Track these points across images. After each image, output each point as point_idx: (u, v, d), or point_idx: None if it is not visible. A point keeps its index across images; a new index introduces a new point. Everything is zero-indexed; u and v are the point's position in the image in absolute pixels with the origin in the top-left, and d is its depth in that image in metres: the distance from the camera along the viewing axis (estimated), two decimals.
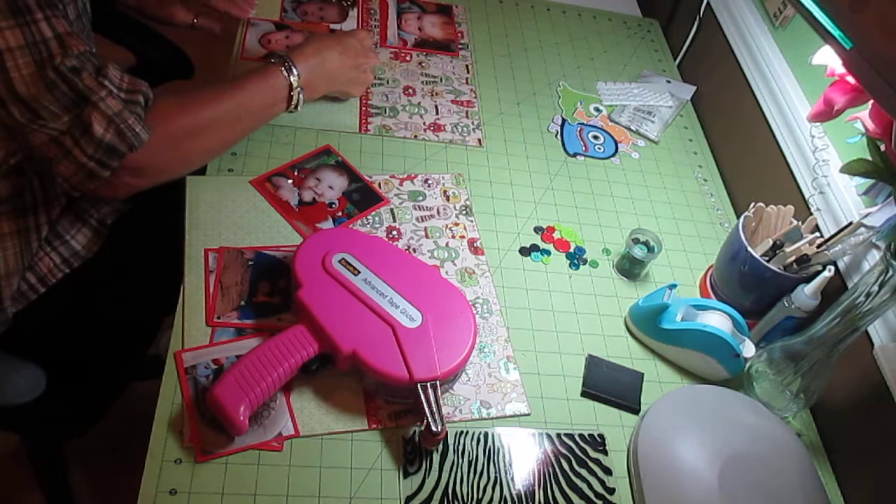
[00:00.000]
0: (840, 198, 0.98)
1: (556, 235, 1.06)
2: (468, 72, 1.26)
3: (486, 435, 0.83)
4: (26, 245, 0.90)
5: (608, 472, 0.84)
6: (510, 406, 0.86)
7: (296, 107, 0.97)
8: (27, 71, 0.72)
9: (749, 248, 0.93)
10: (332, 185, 1.00)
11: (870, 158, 0.89)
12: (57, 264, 0.96)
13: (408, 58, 1.24)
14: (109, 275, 1.02)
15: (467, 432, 0.83)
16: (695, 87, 1.36)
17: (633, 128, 1.25)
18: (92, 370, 1.03)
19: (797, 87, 1.13)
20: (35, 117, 0.75)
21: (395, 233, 0.98)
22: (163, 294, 0.94)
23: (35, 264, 0.94)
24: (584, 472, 0.83)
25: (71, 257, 0.97)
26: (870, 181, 0.95)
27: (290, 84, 0.94)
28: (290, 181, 0.99)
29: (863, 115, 0.90)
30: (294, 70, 0.94)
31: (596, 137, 1.22)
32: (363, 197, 1.00)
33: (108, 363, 1.05)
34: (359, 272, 0.84)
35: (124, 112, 0.77)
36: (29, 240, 0.91)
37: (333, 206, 0.98)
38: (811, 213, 1.00)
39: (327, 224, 0.96)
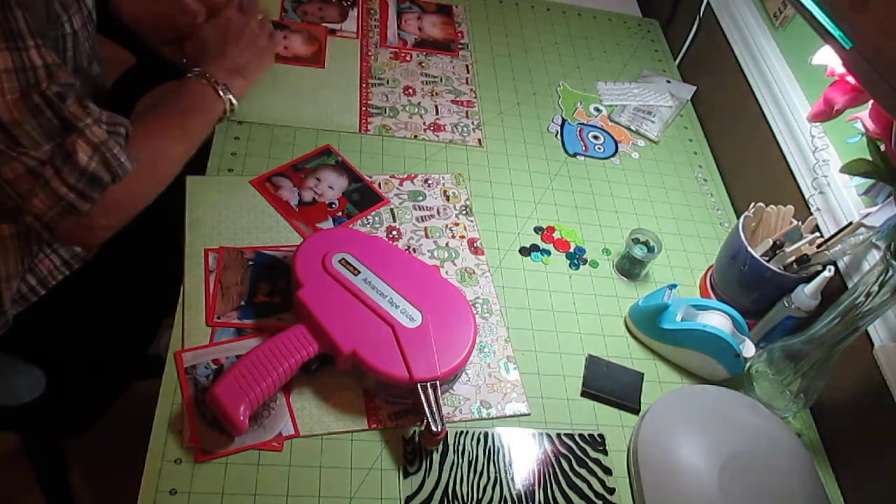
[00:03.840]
0: (840, 198, 0.98)
1: (556, 235, 1.06)
2: (468, 72, 1.26)
3: (486, 435, 0.83)
4: (26, 247, 0.90)
5: (608, 472, 0.84)
6: (510, 406, 0.86)
7: (234, 108, 0.99)
8: (12, 96, 0.70)
9: (749, 248, 0.93)
10: (332, 185, 1.00)
11: (870, 158, 0.89)
12: (57, 266, 0.96)
13: (408, 58, 1.24)
14: (109, 275, 1.02)
15: (467, 432, 0.83)
16: (695, 87, 1.36)
17: (633, 128, 1.25)
18: (92, 371, 1.03)
19: (797, 87, 1.13)
20: (14, 144, 0.72)
21: (395, 233, 0.98)
22: (163, 294, 0.94)
23: (35, 266, 0.93)
24: (584, 472, 0.83)
25: (71, 259, 0.97)
26: (870, 181, 0.95)
27: (220, 96, 0.96)
28: (290, 181, 0.99)
29: (863, 115, 0.90)
30: (218, 82, 0.96)
31: (596, 137, 1.22)
32: (363, 197, 1.00)
33: (109, 364, 1.05)
34: (359, 272, 0.84)
35: (110, 141, 0.76)
36: (29, 242, 0.91)
37: (333, 206, 0.98)
38: (811, 213, 1.00)
39: (327, 224, 0.96)
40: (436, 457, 0.80)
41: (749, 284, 0.96)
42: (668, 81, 1.36)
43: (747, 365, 0.92)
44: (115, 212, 0.83)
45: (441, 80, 1.22)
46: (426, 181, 1.06)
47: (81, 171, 0.75)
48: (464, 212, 1.04)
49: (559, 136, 1.21)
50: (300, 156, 1.03)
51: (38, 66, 0.71)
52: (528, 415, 0.86)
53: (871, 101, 0.90)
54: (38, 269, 0.94)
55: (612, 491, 0.82)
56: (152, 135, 0.87)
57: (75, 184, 0.75)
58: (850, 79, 0.89)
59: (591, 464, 0.84)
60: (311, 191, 0.99)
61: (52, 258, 0.95)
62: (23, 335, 0.95)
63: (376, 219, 0.99)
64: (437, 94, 1.19)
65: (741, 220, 0.96)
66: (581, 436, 0.86)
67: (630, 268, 1.03)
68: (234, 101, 0.98)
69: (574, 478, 0.82)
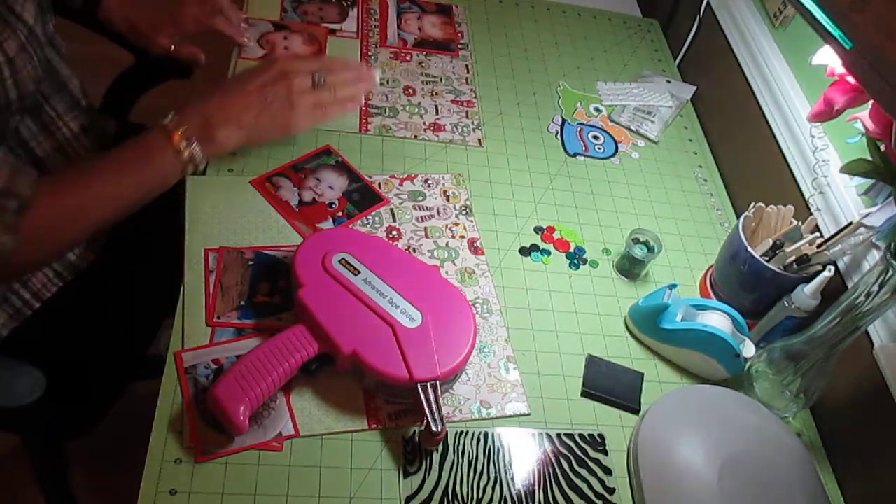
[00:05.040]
0: (840, 198, 0.98)
1: (556, 235, 1.06)
2: (468, 72, 1.26)
3: (486, 435, 0.83)
4: None
5: (608, 472, 0.84)
6: (510, 406, 0.86)
7: (197, 163, 0.86)
8: None
9: (749, 248, 0.93)
10: (332, 185, 1.00)
11: (870, 158, 0.89)
12: (50, 278, 0.95)
13: (408, 58, 1.24)
14: (109, 276, 1.02)
15: (467, 432, 0.83)
16: (695, 87, 1.36)
17: (633, 128, 1.25)
18: (92, 372, 1.03)
19: (797, 87, 1.13)
20: None
21: (395, 233, 0.98)
22: (163, 294, 0.94)
23: (28, 280, 0.93)
24: (584, 472, 0.83)
25: (64, 270, 0.96)
26: (870, 181, 0.95)
27: (178, 155, 0.84)
28: (290, 181, 0.99)
29: (863, 115, 0.90)
30: (188, 138, 0.84)
31: (596, 137, 1.22)
32: (363, 197, 1.00)
33: (109, 365, 1.05)
34: (359, 272, 0.84)
35: None
36: None
37: (333, 206, 0.98)
38: (811, 213, 1.00)
39: (327, 224, 0.96)
40: (436, 457, 0.80)
41: (749, 284, 0.96)
42: (668, 81, 1.36)
43: (747, 365, 0.92)
44: (16, 269, 0.81)
45: (441, 80, 1.22)
46: (426, 181, 1.06)
47: None
48: (464, 212, 1.04)
49: (559, 136, 1.21)
50: (300, 156, 1.03)
51: None
52: (528, 415, 0.86)
53: (871, 101, 0.90)
54: (32, 283, 0.93)
55: (612, 491, 0.82)
56: (66, 192, 0.80)
57: None
58: (850, 79, 0.89)
59: (591, 464, 0.84)
60: (312, 191, 0.99)
61: (44, 271, 0.94)
62: (23, 337, 0.95)
63: (376, 219, 0.99)
64: (437, 94, 1.19)
65: (741, 220, 0.96)
66: (581, 436, 0.86)
67: (630, 268, 1.03)
68: (198, 160, 0.85)
69: (574, 478, 0.82)
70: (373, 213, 0.99)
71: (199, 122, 0.85)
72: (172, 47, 1.06)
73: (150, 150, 0.84)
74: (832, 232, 0.94)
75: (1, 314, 0.92)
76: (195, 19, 1.07)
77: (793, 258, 0.93)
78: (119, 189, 0.83)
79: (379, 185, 1.03)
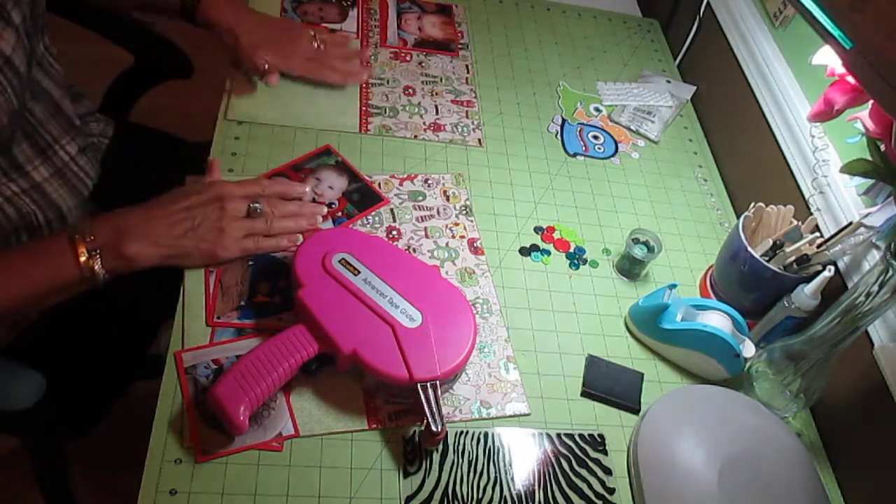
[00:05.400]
0: (840, 198, 0.98)
1: (556, 235, 1.06)
2: (468, 72, 1.26)
3: (486, 435, 0.83)
4: None
5: (608, 472, 0.84)
6: (510, 406, 0.86)
7: (95, 276, 0.80)
8: None
9: (749, 248, 0.93)
10: (332, 186, 1.00)
11: (870, 158, 0.89)
12: None
13: (408, 58, 1.24)
14: (109, 281, 1.01)
15: (467, 432, 0.83)
16: (695, 87, 1.36)
17: (633, 128, 1.25)
18: (92, 373, 1.03)
19: (797, 87, 1.13)
20: None
21: (395, 233, 0.98)
22: (163, 295, 0.94)
23: None
24: (584, 472, 0.83)
25: None
26: (870, 181, 0.95)
27: (79, 262, 0.79)
28: (289, 181, 0.99)
29: (863, 115, 0.90)
30: (93, 251, 0.79)
31: (596, 137, 1.22)
32: (363, 197, 1.00)
33: (109, 366, 1.05)
34: (359, 272, 0.84)
35: None
36: None
37: (333, 206, 0.98)
38: (811, 213, 1.00)
39: (327, 224, 0.96)
40: (436, 457, 0.80)
41: (749, 284, 0.96)
42: (668, 81, 1.36)
43: (747, 365, 0.92)
44: None
45: (441, 80, 1.22)
46: (426, 181, 1.06)
47: None
48: (464, 212, 1.04)
49: (559, 136, 1.21)
50: (300, 156, 1.03)
51: None
52: (528, 415, 0.86)
53: (871, 101, 0.90)
54: None
55: (612, 491, 0.82)
56: None
57: None
58: (850, 79, 0.89)
59: (591, 464, 0.84)
60: (312, 191, 0.99)
61: None
62: (23, 341, 0.95)
63: (376, 219, 0.99)
64: (437, 94, 1.19)
65: (741, 220, 0.96)
66: (581, 436, 0.86)
67: (630, 268, 1.03)
68: (98, 274, 0.80)
69: (574, 478, 0.82)
70: (373, 213, 0.99)
71: (109, 235, 0.80)
72: (265, 67, 1.04)
73: (48, 254, 0.79)
74: (832, 232, 0.94)
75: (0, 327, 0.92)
76: (304, 70, 1.09)
77: (793, 258, 0.93)
78: (4, 291, 0.78)
79: (379, 185, 1.03)
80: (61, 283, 0.80)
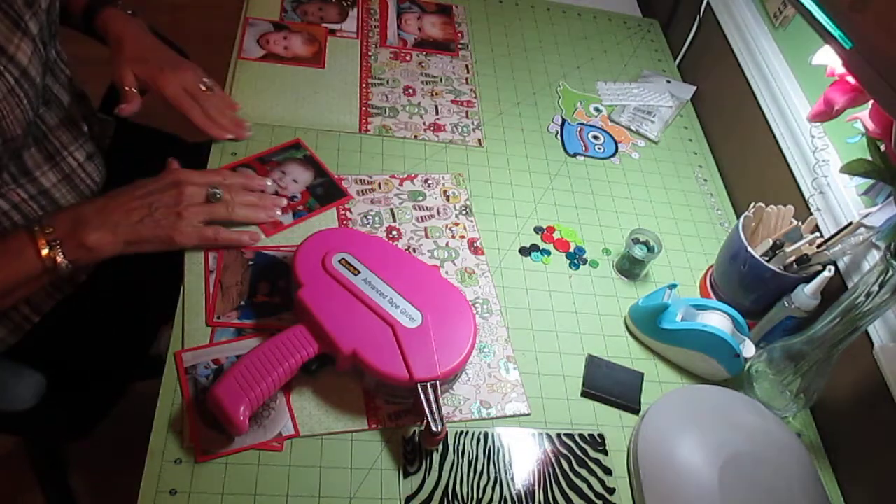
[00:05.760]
0: (840, 198, 0.98)
1: (556, 235, 1.06)
2: (468, 72, 1.26)
3: (486, 435, 0.83)
4: None
5: (608, 472, 0.84)
6: (510, 406, 0.86)
7: (58, 267, 0.80)
8: None
9: (749, 248, 0.93)
10: (296, 179, 1.00)
11: (870, 158, 0.89)
12: (49, 292, 0.94)
13: (408, 58, 1.24)
14: (109, 278, 1.02)
15: (467, 432, 0.83)
16: (695, 87, 1.36)
17: (633, 128, 1.25)
18: (93, 374, 1.03)
19: (797, 87, 1.13)
20: None
21: (395, 233, 0.98)
22: (163, 295, 0.94)
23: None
24: (584, 472, 0.83)
25: (63, 283, 0.95)
26: (870, 181, 0.95)
27: (40, 254, 0.79)
28: (255, 172, 0.98)
29: (863, 115, 0.90)
30: (53, 242, 0.79)
31: (596, 137, 1.22)
32: (326, 192, 0.99)
33: (110, 367, 1.05)
34: (359, 272, 0.84)
35: None
36: None
37: (296, 198, 0.97)
38: (811, 213, 1.00)
39: (287, 218, 0.95)
40: (436, 457, 0.80)
41: (749, 284, 0.96)
42: (668, 81, 1.36)
43: (747, 365, 0.92)
44: None
45: (441, 80, 1.22)
46: (426, 181, 1.06)
47: None
48: (464, 212, 1.04)
49: (559, 136, 1.21)
50: (269, 148, 1.02)
51: None
52: (528, 415, 0.86)
53: (871, 101, 0.90)
54: (31, 298, 0.93)
55: (612, 491, 0.82)
56: None
57: None
58: (850, 79, 0.89)
59: (591, 464, 0.84)
60: (275, 183, 0.97)
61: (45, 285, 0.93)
62: (24, 343, 0.95)
63: (376, 219, 0.99)
64: (437, 94, 1.19)
65: (741, 220, 0.96)
66: (581, 436, 0.86)
67: (630, 268, 1.03)
68: (62, 265, 0.80)
69: (574, 478, 0.82)
70: (373, 213, 0.99)
71: (69, 226, 0.80)
72: (127, 88, 0.97)
73: (10, 251, 0.79)
74: (832, 232, 0.94)
75: (0, 329, 0.92)
76: (175, 95, 0.98)
77: (793, 258, 0.93)
78: None
79: (379, 184, 1.03)
80: (25, 276, 0.80)
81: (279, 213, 0.94)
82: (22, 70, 0.79)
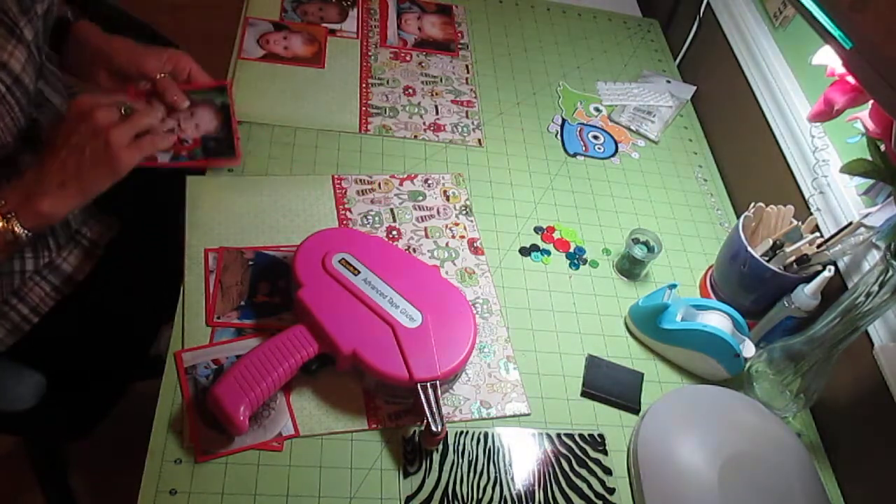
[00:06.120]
0: (840, 198, 0.98)
1: (556, 235, 1.06)
2: (468, 72, 1.26)
3: (486, 435, 0.83)
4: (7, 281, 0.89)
5: (608, 472, 0.84)
6: (510, 406, 0.86)
7: (18, 238, 0.80)
8: None
9: (749, 248, 0.93)
10: (199, 124, 0.94)
11: (870, 158, 0.89)
12: (47, 292, 0.94)
13: (408, 58, 1.24)
14: (110, 278, 1.01)
15: (467, 432, 0.83)
16: (695, 87, 1.36)
17: (633, 128, 1.25)
18: (93, 375, 1.02)
19: (797, 87, 1.13)
20: None
21: (395, 233, 0.98)
22: (164, 296, 0.94)
23: (25, 295, 0.92)
24: (584, 472, 0.83)
25: (62, 284, 0.95)
26: (870, 181, 0.95)
27: None
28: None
29: (863, 115, 0.90)
30: (8, 213, 0.78)
31: (596, 137, 1.22)
32: (216, 147, 0.94)
33: (110, 367, 1.05)
34: (359, 272, 0.84)
35: None
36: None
37: (186, 143, 0.93)
38: (811, 213, 1.00)
39: (165, 156, 0.90)
40: (436, 457, 0.80)
41: (749, 284, 0.95)
42: (668, 81, 1.36)
43: (747, 365, 0.92)
44: None
45: (441, 80, 1.22)
46: (426, 181, 1.06)
47: None
48: (464, 212, 1.04)
49: (559, 136, 1.21)
50: (194, 83, 0.95)
51: None
52: (528, 415, 0.86)
53: (871, 101, 0.90)
54: (29, 298, 0.92)
55: (612, 491, 0.82)
56: None
57: None
58: (850, 79, 0.89)
59: (591, 464, 0.84)
60: (177, 122, 0.93)
61: (41, 286, 0.93)
62: (23, 344, 0.94)
63: (376, 219, 0.99)
64: (437, 94, 1.19)
65: (741, 220, 0.96)
66: (581, 436, 0.86)
67: (630, 268, 1.03)
68: (21, 235, 0.79)
69: (574, 478, 0.82)
70: (373, 213, 0.99)
71: (19, 197, 0.79)
72: (161, 75, 0.93)
73: None
74: (832, 232, 0.94)
75: None
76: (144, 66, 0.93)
77: (793, 258, 0.93)
78: None
79: (379, 184, 1.03)
80: None
81: (166, 144, 0.87)
82: (14, 77, 0.79)
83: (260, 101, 1.08)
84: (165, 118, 0.89)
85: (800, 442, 0.88)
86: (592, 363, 0.92)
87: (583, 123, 1.24)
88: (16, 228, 0.79)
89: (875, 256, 0.91)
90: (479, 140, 1.15)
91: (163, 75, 0.93)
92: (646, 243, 1.01)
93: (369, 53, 1.22)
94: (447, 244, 0.99)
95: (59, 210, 0.81)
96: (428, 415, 0.77)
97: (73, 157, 0.79)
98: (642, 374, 0.93)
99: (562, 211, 1.09)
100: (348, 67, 1.19)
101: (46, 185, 0.80)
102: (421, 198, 1.03)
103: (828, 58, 0.93)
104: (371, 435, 0.80)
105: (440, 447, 0.81)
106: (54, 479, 1.30)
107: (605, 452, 0.85)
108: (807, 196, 1.04)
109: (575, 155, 1.19)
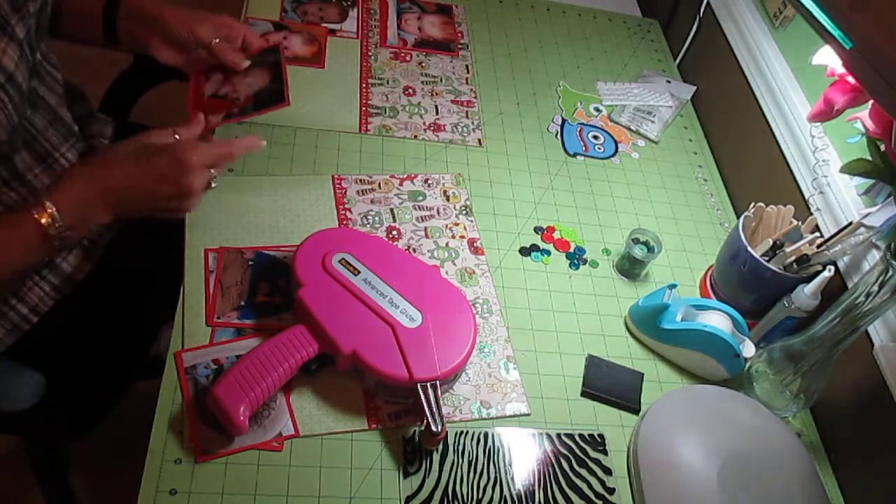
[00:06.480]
0: (840, 198, 0.98)
1: (556, 235, 1.06)
2: (468, 72, 1.26)
3: (486, 435, 0.83)
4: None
5: (608, 472, 0.84)
6: (510, 406, 0.86)
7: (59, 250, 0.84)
8: None
9: (749, 248, 0.93)
10: (251, 83, 0.97)
11: (870, 158, 0.89)
12: (47, 292, 0.94)
13: (408, 58, 1.24)
14: (109, 278, 1.01)
15: (467, 432, 0.83)
16: (695, 87, 1.36)
17: (633, 128, 1.25)
18: (93, 374, 1.02)
19: (797, 87, 1.13)
20: None
21: (395, 233, 0.98)
22: (164, 296, 0.94)
23: (25, 295, 0.92)
24: (584, 472, 0.83)
25: (61, 284, 0.95)
26: (870, 181, 0.95)
27: (46, 234, 0.79)
28: (222, 76, 0.98)
29: (863, 115, 0.90)
30: (54, 216, 0.79)
31: (596, 137, 1.22)
32: (269, 97, 0.95)
33: (110, 367, 1.05)
34: (359, 272, 0.84)
35: None
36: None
37: (238, 100, 0.96)
38: (811, 213, 1.00)
39: (216, 118, 0.93)
40: (436, 457, 0.80)
41: (749, 284, 0.96)
42: (668, 81, 1.36)
43: (747, 365, 0.92)
44: None
45: (441, 80, 1.22)
46: (426, 181, 1.06)
47: None
48: (464, 212, 1.04)
49: (559, 136, 1.21)
50: (253, 50, 0.99)
51: None
52: (528, 415, 0.86)
53: (871, 101, 0.90)
54: (29, 298, 0.92)
55: (612, 491, 0.82)
56: None
57: None
58: (850, 79, 0.89)
59: (591, 464, 0.84)
60: (233, 87, 0.96)
61: (41, 285, 0.93)
62: (23, 340, 0.94)
63: (376, 219, 0.99)
64: (437, 94, 1.19)
65: (741, 220, 0.96)
66: (581, 436, 0.86)
67: (630, 268, 1.03)
68: (70, 243, 0.82)
69: (574, 478, 0.82)
70: (373, 213, 0.99)
71: (76, 215, 0.81)
72: (216, 41, 0.96)
73: (15, 238, 0.79)
74: (832, 232, 0.94)
75: None
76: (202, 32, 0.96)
77: (793, 258, 0.93)
78: None
79: (379, 184, 1.03)
80: (35, 261, 0.85)
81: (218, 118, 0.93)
82: (8, 75, 0.78)
83: None
84: (229, 84, 0.95)
85: (800, 442, 0.88)
86: (592, 363, 0.92)
87: (583, 123, 1.24)
88: (67, 238, 0.81)
89: (875, 256, 0.91)
90: (479, 140, 1.15)
91: (217, 41, 0.96)
92: (646, 243, 1.01)
93: (369, 53, 1.22)
94: (447, 244, 0.99)
95: (102, 221, 0.84)
96: (428, 415, 0.77)
97: (146, 198, 0.83)
98: (642, 374, 0.93)
99: (562, 211, 1.09)
100: (348, 67, 1.19)
101: (106, 204, 0.82)
102: (421, 198, 1.03)
103: (828, 58, 0.93)
104: (371, 435, 0.80)
105: (440, 447, 0.81)
106: (54, 479, 1.30)
107: (605, 452, 0.85)
108: (807, 196, 1.04)
109: (575, 155, 1.19)
